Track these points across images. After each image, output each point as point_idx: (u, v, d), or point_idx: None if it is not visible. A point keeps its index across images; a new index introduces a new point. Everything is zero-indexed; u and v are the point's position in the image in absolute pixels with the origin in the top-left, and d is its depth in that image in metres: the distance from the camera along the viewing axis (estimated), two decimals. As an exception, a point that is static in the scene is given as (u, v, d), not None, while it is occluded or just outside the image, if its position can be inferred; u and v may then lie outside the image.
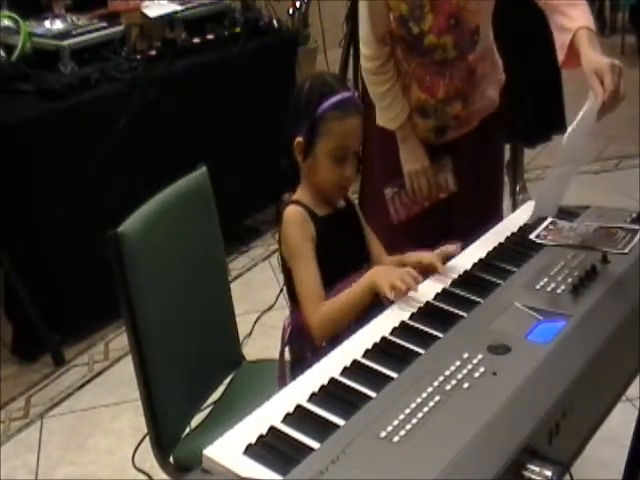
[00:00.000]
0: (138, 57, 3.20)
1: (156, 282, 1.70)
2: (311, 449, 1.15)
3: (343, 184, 1.67)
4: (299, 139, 1.63)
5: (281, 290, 3.34)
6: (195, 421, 1.88)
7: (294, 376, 1.48)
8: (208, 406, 1.94)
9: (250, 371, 2.03)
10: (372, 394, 1.26)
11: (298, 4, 5.02)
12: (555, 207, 1.82)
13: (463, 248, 1.75)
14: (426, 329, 1.44)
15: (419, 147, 2.12)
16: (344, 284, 1.64)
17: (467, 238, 1.79)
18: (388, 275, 1.56)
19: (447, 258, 1.67)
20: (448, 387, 1.24)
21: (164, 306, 1.72)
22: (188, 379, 1.80)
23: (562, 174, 1.74)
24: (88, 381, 2.90)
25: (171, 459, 1.74)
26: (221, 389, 1.98)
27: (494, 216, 2.18)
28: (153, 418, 1.69)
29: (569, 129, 1.68)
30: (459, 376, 1.26)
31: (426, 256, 1.66)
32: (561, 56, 1.84)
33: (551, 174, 1.78)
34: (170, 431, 1.74)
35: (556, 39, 1.88)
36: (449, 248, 1.68)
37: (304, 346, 1.68)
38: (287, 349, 1.74)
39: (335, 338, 1.59)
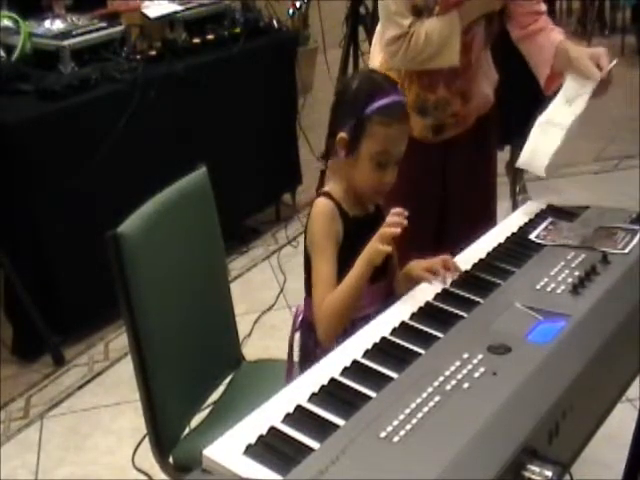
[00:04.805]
0: (138, 57, 3.19)
1: (156, 282, 1.70)
2: (311, 449, 1.15)
3: (380, 189, 1.63)
4: (343, 135, 1.60)
5: (281, 290, 3.37)
6: (195, 421, 1.88)
7: (302, 370, 1.47)
8: (208, 406, 1.94)
9: (250, 371, 2.03)
10: (372, 394, 1.26)
11: (298, 4, 5.02)
12: (543, 165, 1.86)
13: (457, 250, 1.74)
14: (426, 329, 1.44)
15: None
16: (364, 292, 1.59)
17: (460, 240, 1.79)
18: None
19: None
20: (448, 387, 1.24)
21: (164, 306, 1.72)
22: (188, 379, 1.80)
23: (545, 130, 1.85)
24: (88, 381, 2.90)
25: (171, 459, 1.74)
26: (221, 389, 1.98)
27: (487, 218, 2.18)
28: (153, 418, 1.69)
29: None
30: (459, 376, 1.27)
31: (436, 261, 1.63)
32: (547, 70, 1.94)
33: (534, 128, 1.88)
34: (170, 431, 1.74)
35: (536, 63, 1.99)
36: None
37: (313, 338, 1.67)
38: (296, 336, 1.73)
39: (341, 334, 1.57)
